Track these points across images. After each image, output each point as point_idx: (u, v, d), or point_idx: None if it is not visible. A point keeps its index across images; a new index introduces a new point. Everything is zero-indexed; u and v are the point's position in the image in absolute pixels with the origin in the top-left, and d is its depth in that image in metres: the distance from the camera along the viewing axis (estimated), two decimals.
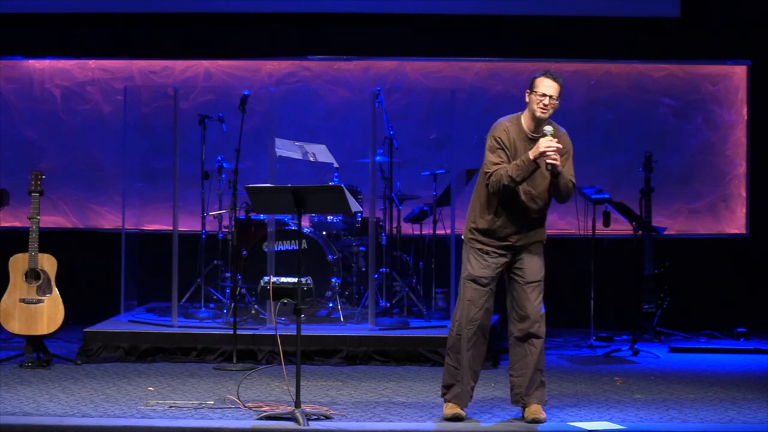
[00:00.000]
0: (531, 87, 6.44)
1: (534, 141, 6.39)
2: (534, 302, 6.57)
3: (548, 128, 6.38)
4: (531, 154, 6.31)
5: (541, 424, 6.51)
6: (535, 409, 6.57)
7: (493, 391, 7.51)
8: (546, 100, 6.38)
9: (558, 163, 6.32)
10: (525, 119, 6.51)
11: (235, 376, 7.96)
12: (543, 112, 6.40)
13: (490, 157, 6.48)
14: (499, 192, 6.43)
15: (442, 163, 9.72)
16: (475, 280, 6.55)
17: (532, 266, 6.58)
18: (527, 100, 6.47)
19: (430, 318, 9.28)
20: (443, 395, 6.66)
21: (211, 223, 9.74)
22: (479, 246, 6.56)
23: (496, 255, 6.54)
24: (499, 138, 6.47)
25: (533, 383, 6.59)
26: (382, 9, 10.65)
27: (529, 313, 6.56)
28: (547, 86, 6.38)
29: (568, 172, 6.50)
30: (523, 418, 6.60)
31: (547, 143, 6.29)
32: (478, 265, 6.56)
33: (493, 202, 6.51)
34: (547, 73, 6.43)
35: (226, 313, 9.10)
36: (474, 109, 10.42)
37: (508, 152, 6.44)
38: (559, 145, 6.32)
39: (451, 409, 6.58)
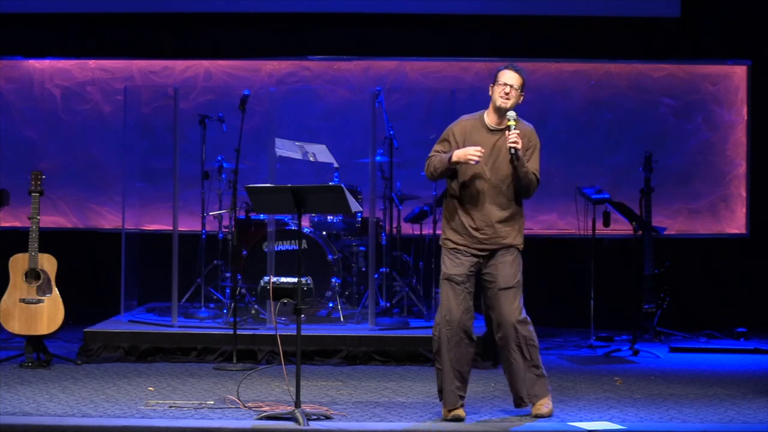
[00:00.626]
0: (494, 80, 6.59)
1: (494, 132, 6.55)
2: (510, 308, 6.54)
3: (512, 113, 6.50)
4: (454, 156, 6.46)
5: (544, 419, 6.53)
6: (540, 403, 6.61)
7: (493, 391, 7.51)
8: (507, 89, 6.51)
9: (519, 146, 6.40)
10: (488, 114, 6.65)
11: (235, 376, 7.96)
12: (504, 102, 6.52)
13: (435, 146, 6.69)
14: (430, 177, 6.67)
15: None
16: (449, 279, 6.56)
17: (505, 272, 6.56)
18: (490, 93, 6.62)
19: (430, 318, 9.26)
20: (440, 399, 6.67)
21: (211, 223, 9.74)
22: (452, 245, 6.60)
23: (468, 254, 6.56)
24: (452, 131, 6.65)
25: (528, 382, 6.60)
26: (382, 9, 10.66)
27: (505, 321, 6.54)
28: (509, 77, 6.54)
29: (533, 167, 6.57)
30: (529, 415, 6.64)
31: (474, 153, 6.42)
32: (451, 263, 6.59)
33: (463, 199, 6.57)
34: (509, 66, 6.60)
35: (226, 313, 9.10)
36: (474, 109, 10.38)
37: (452, 145, 6.59)
38: (515, 137, 6.41)
39: (448, 411, 6.58)
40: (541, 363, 6.65)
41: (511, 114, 6.49)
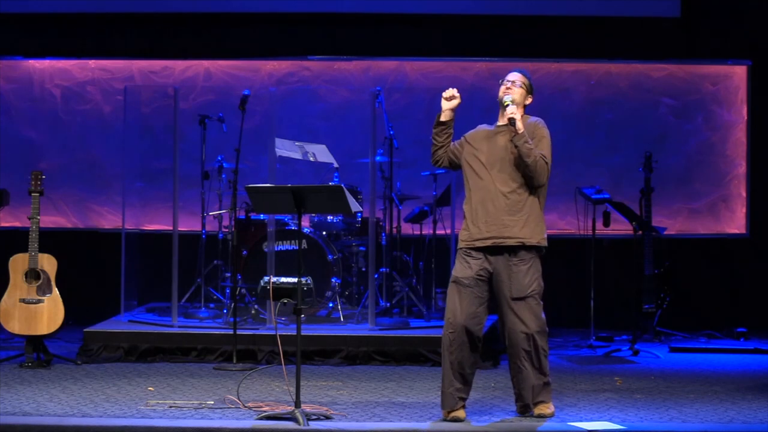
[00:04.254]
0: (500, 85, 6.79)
1: (501, 128, 6.64)
2: (521, 320, 6.46)
3: (508, 97, 6.61)
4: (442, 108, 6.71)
5: (546, 421, 6.54)
6: (542, 406, 6.61)
7: (493, 391, 7.51)
8: (508, 84, 6.67)
9: (517, 117, 6.48)
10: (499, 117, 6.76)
11: (235, 376, 7.96)
12: (504, 93, 6.64)
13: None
14: (434, 160, 6.77)
15: None
16: (456, 282, 6.53)
17: (519, 279, 6.47)
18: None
19: (430, 318, 9.27)
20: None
21: (211, 223, 9.74)
22: (463, 247, 6.58)
23: (479, 256, 6.51)
24: (466, 136, 6.75)
25: (535, 390, 6.59)
26: (382, 9, 10.65)
27: (512, 332, 6.49)
28: (510, 75, 6.74)
29: (542, 152, 6.57)
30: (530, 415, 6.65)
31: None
32: (459, 266, 6.56)
33: (474, 199, 6.58)
34: (513, 69, 6.80)
35: (226, 313, 9.10)
36: (474, 109, 10.36)
37: (461, 148, 6.70)
38: (513, 108, 6.54)
39: (447, 413, 6.57)
40: (548, 370, 6.63)
41: (508, 98, 6.59)
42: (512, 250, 6.49)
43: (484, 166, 6.57)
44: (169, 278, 9.11)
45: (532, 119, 6.68)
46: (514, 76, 6.70)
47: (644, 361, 8.87)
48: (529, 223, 6.51)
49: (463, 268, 6.55)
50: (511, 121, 6.50)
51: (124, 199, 9.77)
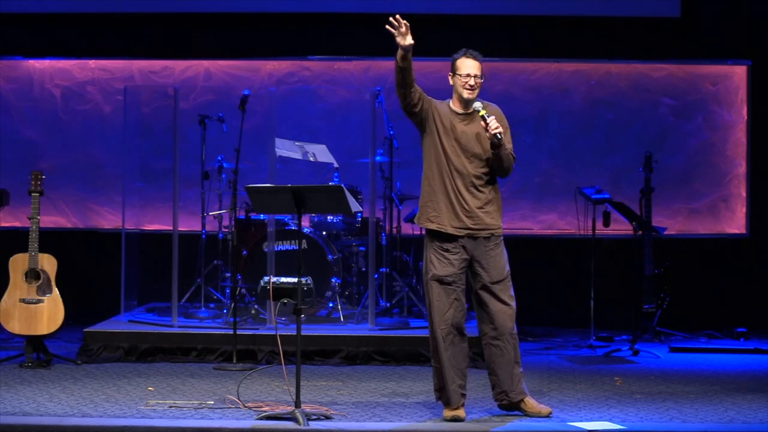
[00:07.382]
0: (453, 69, 6.56)
1: (464, 117, 6.52)
2: (503, 301, 6.55)
3: (477, 104, 6.47)
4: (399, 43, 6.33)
5: (548, 417, 6.56)
6: (534, 404, 6.63)
7: (492, 391, 7.49)
8: (471, 81, 6.49)
9: (502, 131, 6.37)
10: (453, 103, 6.62)
11: (235, 376, 7.97)
12: (470, 93, 6.50)
13: None
14: (399, 93, 6.42)
15: None
16: (440, 281, 6.53)
17: (497, 263, 6.56)
18: (451, 83, 6.59)
19: None
20: (438, 399, 6.67)
21: (211, 223, 9.75)
22: (435, 236, 6.54)
23: (456, 251, 6.52)
24: (432, 101, 6.54)
25: (515, 378, 6.62)
26: (382, 9, 10.60)
27: (498, 313, 6.55)
28: (469, 66, 6.50)
29: (509, 146, 6.54)
30: (524, 414, 6.63)
31: (495, 123, 6.36)
32: (440, 264, 6.55)
33: (438, 189, 6.52)
34: (467, 53, 6.55)
35: (226, 313, 9.10)
36: None
37: (429, 105, 6.50)
38: (495, 122, 6.36)
39: (449, 411, 6.57)
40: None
41: (478, 105, 6.47)
42: (486, 238, 6.56)
43: (461, 150, 6.51)
44: (169, 278, 9.11)
45: (494, 107, 6.60)
46: (474, 68, 6.48)
47: (644, 361, 8.87)
48: (497, 213, 6.60)
49: (444, 266, 6.54)
50: (497, 137, 6.37)
51: (124, 199, 9.77)
